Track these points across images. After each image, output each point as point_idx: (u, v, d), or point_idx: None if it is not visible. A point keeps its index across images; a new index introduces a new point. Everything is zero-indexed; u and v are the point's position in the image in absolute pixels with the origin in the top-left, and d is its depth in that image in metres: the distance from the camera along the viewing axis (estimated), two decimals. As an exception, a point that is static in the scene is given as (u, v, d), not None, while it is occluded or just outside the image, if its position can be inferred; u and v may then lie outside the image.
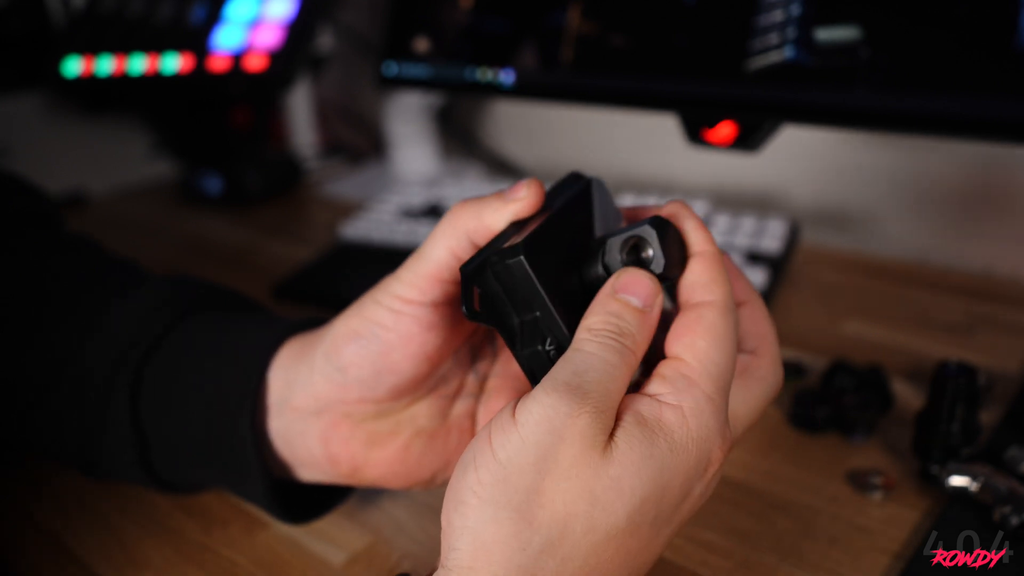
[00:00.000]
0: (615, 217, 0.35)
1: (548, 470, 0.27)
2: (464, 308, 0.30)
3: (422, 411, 0.38)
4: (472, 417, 0.39)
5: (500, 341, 0.39)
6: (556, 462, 0.27)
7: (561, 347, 0.30)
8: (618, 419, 0.28)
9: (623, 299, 0.30)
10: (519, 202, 0.33)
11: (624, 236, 0.31)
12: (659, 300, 0.30)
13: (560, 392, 0.27)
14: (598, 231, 0.34)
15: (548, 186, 0.35)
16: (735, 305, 0.31)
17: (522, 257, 0.29)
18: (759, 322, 0.34)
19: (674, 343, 0.30)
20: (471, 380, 0.40)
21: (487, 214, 0.33)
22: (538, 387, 0.28)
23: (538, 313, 0.30)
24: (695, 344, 0.29)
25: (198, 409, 0.39)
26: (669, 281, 0.31)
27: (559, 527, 0.27)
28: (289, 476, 0.39)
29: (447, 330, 0.35)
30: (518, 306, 0.30)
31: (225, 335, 0.40)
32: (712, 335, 0.30)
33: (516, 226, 0.32)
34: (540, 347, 0.30)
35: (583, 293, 0.32)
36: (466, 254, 0.33)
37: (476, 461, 0.28)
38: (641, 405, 0.29)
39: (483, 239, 0.33)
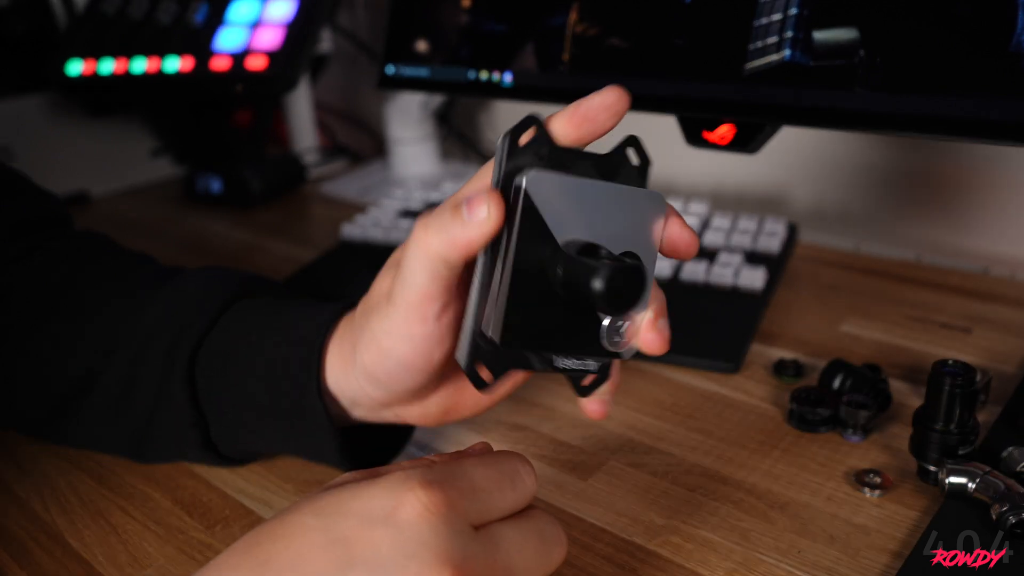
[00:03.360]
0: (572, 195, 0.33)
1: None
2: (474, 385, 0.33)
3: None
4: None
5: None
6: None
7: None
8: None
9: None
10: (486, 224, 0.31)
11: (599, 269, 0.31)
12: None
13: None
14: (557, 236, 0.33)
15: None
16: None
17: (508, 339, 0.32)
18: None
19: None
20: None
21: (459, 238, 0.32)
22: None
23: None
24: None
25: (259, 381, 0.41)
26: (615, 313, 0.34)
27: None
28: (342, 419, 0.43)
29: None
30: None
31: (277, 315, 0.43)
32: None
33: (488, 272, 0.32)
34: None
35: (579, 303, 0.33)
36: (442, 275, 0.34)
37: None
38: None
39: (458, 258, 0.32)
